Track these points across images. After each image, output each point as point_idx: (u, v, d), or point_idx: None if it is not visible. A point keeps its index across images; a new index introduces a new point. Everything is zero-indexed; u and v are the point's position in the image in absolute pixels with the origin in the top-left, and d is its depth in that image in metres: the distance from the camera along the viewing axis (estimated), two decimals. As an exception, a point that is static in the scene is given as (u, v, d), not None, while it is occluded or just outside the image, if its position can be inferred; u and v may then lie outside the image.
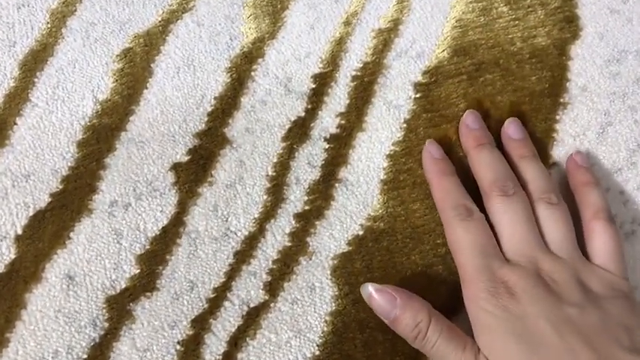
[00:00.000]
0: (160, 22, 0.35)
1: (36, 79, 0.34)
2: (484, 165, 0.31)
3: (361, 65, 0.35)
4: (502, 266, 0.28)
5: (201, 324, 0.30)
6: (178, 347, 0.29)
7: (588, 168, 0.33)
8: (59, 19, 0.35)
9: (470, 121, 0.33)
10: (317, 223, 0.32)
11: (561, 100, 0.35)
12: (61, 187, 0.32)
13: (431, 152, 0.33)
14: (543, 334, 0.26)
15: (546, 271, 0.28)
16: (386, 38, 0.36)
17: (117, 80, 0.34)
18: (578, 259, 0.29)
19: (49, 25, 0.35)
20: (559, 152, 0.34)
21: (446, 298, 0.31)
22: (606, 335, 0.26)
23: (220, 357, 0.29)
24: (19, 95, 0.33)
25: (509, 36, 0.36)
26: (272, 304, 0.30)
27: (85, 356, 0.29)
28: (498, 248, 0.29)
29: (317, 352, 0.29)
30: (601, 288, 0.28)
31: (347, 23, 0.36)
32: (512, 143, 0.33)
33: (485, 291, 0.27)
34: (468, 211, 0.30)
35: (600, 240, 0.29)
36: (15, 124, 0.33)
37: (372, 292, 0.29)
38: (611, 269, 0.29)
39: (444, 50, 0.36)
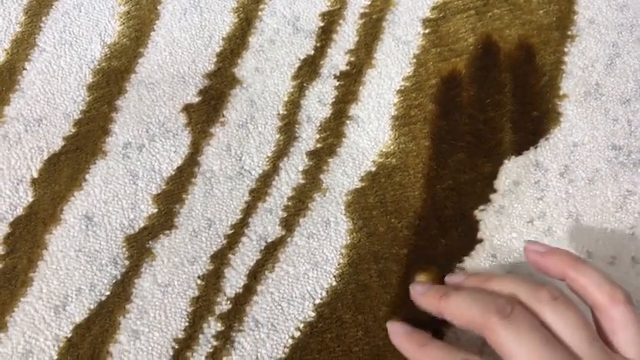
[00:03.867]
0: (163, -37, 0.35)
1: (42, 24, 0.33)
2: (462, 307, 0.27)
3: (369, 2, 0.35)
4: None
5: (220, 259, 0.30)
6: (199, 282, 0.30)
7: (555, 248, 0.28)
8: (61, -37, 0.34)
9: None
10: (329, 160, 0.32)
11: (569, 32, 0.35)
12: (73, 130, 0.32)
13: (397, 332, 0.29)
14: None
15: None
16: (393, -25, 0.36)
17: (124, 23, 0.34)
18: (603, 354, 0.26)
19: (51, -30, 0.34)
20: (568, 84, 0.34)
21: (457, 239, 0.31)
22: None
23: (241, 290, 0.30)
24: (27, 40, 0.33)
25: (516, -29, 0.36)
26: (289, 239, 0.31)
27: (108, 293, 0.29)
28: None
29: (334, 283, 0.30)
30: None
31: (353, -39, 0.36)
32: None
33: None
34: None
35: (625, 331, 0.27)
36: (24, 69, 0.32)
37: None
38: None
39: (451, -14, 0.36)
